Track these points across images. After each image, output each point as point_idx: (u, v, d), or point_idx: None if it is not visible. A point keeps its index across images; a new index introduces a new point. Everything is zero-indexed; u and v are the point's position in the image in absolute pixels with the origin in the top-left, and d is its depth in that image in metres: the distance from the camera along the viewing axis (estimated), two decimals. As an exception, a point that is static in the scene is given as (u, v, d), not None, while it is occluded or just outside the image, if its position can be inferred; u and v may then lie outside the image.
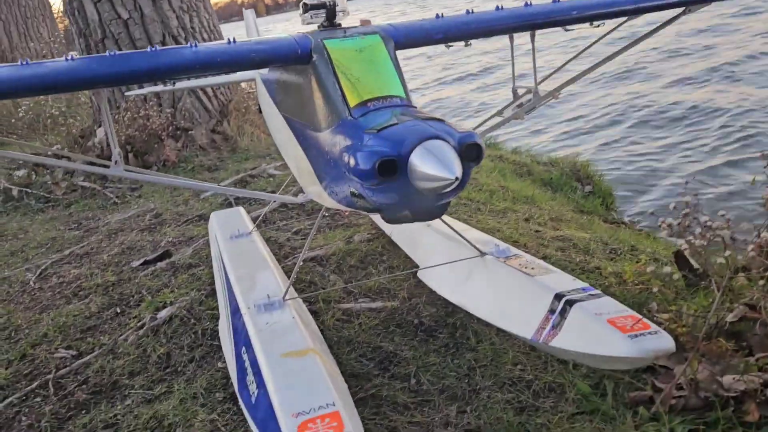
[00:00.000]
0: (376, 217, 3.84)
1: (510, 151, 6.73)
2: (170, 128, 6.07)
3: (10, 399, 2.68)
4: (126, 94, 5.38)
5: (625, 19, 2.92)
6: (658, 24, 3.00)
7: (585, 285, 2.40)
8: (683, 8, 2.88)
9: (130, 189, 5.57)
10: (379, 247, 3.60)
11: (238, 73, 4.85)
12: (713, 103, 8.87)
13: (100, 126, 6.47)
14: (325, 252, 3.61)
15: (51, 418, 2.51)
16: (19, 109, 7.06)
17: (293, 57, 2.28)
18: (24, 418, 2.54)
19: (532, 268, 2.57)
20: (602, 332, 2.07)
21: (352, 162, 1.92)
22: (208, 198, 4.99)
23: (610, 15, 2.75)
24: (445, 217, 3.26)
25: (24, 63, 2.06)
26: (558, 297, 2.30)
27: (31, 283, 3.86)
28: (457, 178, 1.78)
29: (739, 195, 6.24)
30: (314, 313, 2.92)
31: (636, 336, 2.01)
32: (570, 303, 2.24)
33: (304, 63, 2.29)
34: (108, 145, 5.90)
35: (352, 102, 2.13)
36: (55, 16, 13.20)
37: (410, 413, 2.27)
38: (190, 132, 6.20)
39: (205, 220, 4.44)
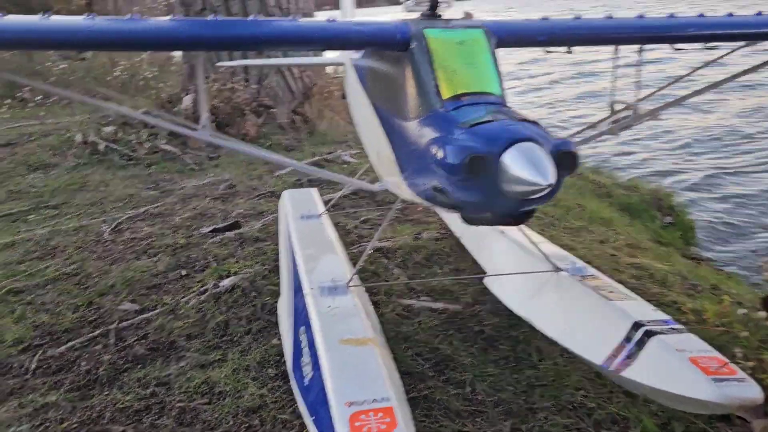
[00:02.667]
0: (448, 218, 3.76)
1: (590, 170, 6.49)
2: (254, 104, 6.17)
3: (73, 343, 2.76)
4: (216, 65, 5.50)
5: (743, 44, 2.72)
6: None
7: (667, 317, 2.25)
8: None
9: (208, 157, 5.70)
10: (447, 248, 3.52)
11: (329, 55, 4.88)
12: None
13: (187, 94, 6.65)
14: (392, 245, 3.56)
15: (108, 367, 2.57)
16: (116, 69, 7.37)
17: (391, 42, 2.23)
18: (83, 363, 2.62)
19: (610, 292, 2.43)
20: (683, 370, 1.92)
21: (440, 155, 1.85)
22: (282, 176, 5.05)
23: (729, 38, 2.57)
24: (521, 226, 3.15)
25: (132, 18, 2.09)
26: (636, 326, 2.16)
27: (105, 235, 3.99)
28: (550, 185, 1.68)
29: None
30: (375, 304, 2.87)
31: (720, 380, 1.86)
32: (649, 334, 2.10)
33: (401, 49, 2.23)
34: (193, 112, 6.08)
35: (446, 94, 2.07)
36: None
37: (462, 422, 2.19)
38: (272, 110, 6.28)
39: (276, 196, 4.48)
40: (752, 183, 7.63)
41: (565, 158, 1.80)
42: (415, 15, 2.38)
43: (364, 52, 2.98)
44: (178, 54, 7.53)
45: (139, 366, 2.58)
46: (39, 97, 8.77)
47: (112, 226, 4.12)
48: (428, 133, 1.99)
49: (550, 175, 1.69)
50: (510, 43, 2.36)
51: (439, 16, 2.36)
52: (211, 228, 3.94)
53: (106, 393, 2.41)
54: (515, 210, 1.90)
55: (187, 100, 6.56)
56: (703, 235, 6.05)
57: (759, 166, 8.23)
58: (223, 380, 2.43)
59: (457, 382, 2.40)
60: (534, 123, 1.88)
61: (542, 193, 1.72)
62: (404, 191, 2.34)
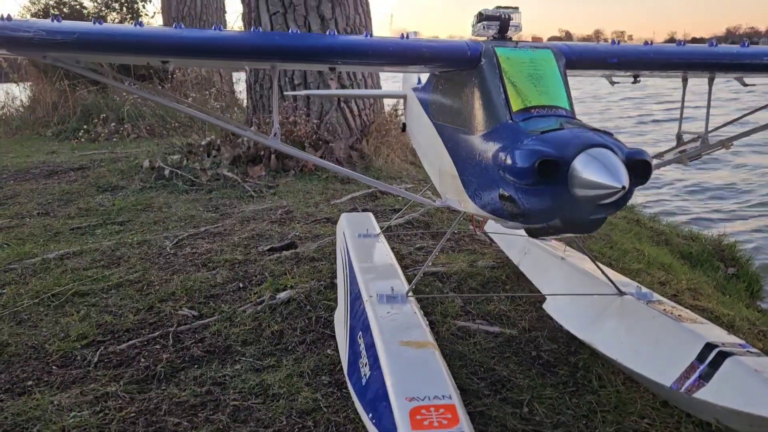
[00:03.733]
0: (506, 246, 3.72)
1: (648, 218, 6.34)
2: (313, 137, 6.34)
3: (133, 341, 2.83)
4: (285, 94, 5.71)
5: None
6: None
7: (742, 341, 2.15)
8: None
9: (267, 186, 5.85)
10: (503, 276, 3.48)
11: (391, 90, 5.00)
12: None
13: (251, 125, 6.89)
14: (446, 270, 3.54)
15: (166, 365, 2.61)
16: (183, 104, 7.75)
17: (463, 59, 2.28)
18: (143, 360, 2.67)
19: (680, 315, 2.34)
20: (762, 390, 1.82)
21: (509, 160, 1.86)
22: (337, 204, 5.13)
23: None
24: (582, 255, 3.09)
25: (217, 28, 2.22)
26: (709, 346, 2.06)
27: (168, 249, 4.11)
28: (624, 187, 1.66)
29: None
30: (430, 324, 2.84)
31: (804, 402, 1.75)
32: (723, 355, 2.00)
33: (471, 66, 2.28)
34: (255, 144, 6.29)
35: (516, 107, 2.10)
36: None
37: (519, 439, 2.12)
38: (330, 144, 6.44)
39: (332, 222, 4.55)
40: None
41: (638, 166, 1.79)
42: (483, 38, 2.45)
43: (427, 81, 3.06)
44: (243, 89, 7.85)
45: (196, 366, 2.61)
46: (107, 131, 9.26)
47: (174, 241, 4.25)
48: (496, 144, 2.01)
49: (623, 178, 1.67)
50: (580, 65, 2.38)
51: (509, 38, 2.42)
52: (268, 247, 4.02)
53: (164, 388, 2.44)
54: (586, 217, 1.88)
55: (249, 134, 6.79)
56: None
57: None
58: (278, 383, 2.43)
59: (514, 402, 2.34)
60: (606, 132, 1.88)
61: (614, 197, 1.71)
62: (468, 205, 2.35)
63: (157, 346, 2.79)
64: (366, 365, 2.02)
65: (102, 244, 4.24)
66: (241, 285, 3.44)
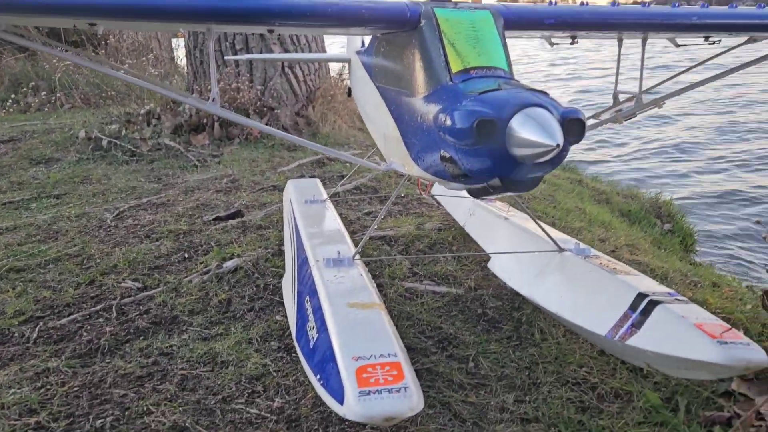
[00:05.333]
0: (451, 208, 3.77)
1: (590, 178, 6.53)
2: (258, 104, 6.22)
3: (74, 316, 2.75)
4: (225, 58, 5.54)
5: (745, 39, 2.77)
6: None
7: (671, 290, 2.26)
8: None
9: (211, 155, 5.72)
10: (450, 237, 3.53)
11: (335, 53, 4.92)
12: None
13: (191, 93, 6.69)
14: (394, 233, 3.57)
15: (110, 338, 2.56)
16: (120, 71, 7.44)
17: (402, 20, 2.26)
18: (85, 334, 2.61)
19: (614, 267, 2.44)
20: (688, 335, 1.93)
21: (448, 121, 1.87)
22: (284, 172, 5.07)
23: (731, 28, 2.61)
24: (525, 215, 3.16)
25: None
26: (641, 296, 2.16)
27: (108, 221, 3.99)
28: (558, 145, 1.70)
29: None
30: (379, 287, 2.87)
31: (726, 343, 1.86)
32: (653, 303, 2.11)
33: (410, 28, 2.27)
34: (197, 112, 6.12)
35: (455, 68, 2.10)
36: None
37: (465, 393, 2.18)
38: (275, 111, 6.33)
39: (279, 190, 4.50)
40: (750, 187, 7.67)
41: (572, 125, 1.83)
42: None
43: (370, 43, 3.02)
44: (183, 55, 7.59)
45: (141, 338, 2.57)
46: (38, 101, 8.82)
47: (114, 213, 4.12)
48: (436, 105, 2.01)
49: (558, 137, 1.71)
50: (518, 26, 2.40)
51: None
52: (214, 216, 3.95)
53: (108, 361, 2.40)
54: (523, 176, 1.92)
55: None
56: (702, 243, 6.08)
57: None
58: (226, 351, 2.42)
59: (460, 357, 2.40)
60: (542, 92, 1.91)
61: (550, 155, 1.74)
62: (412, 168, 2.36)
63: (100, 320, 2.73)
64: (314, 328, 2.04)
65: (37, 218, 4.07)
66: (186, 255, 3.38)
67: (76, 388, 2.21)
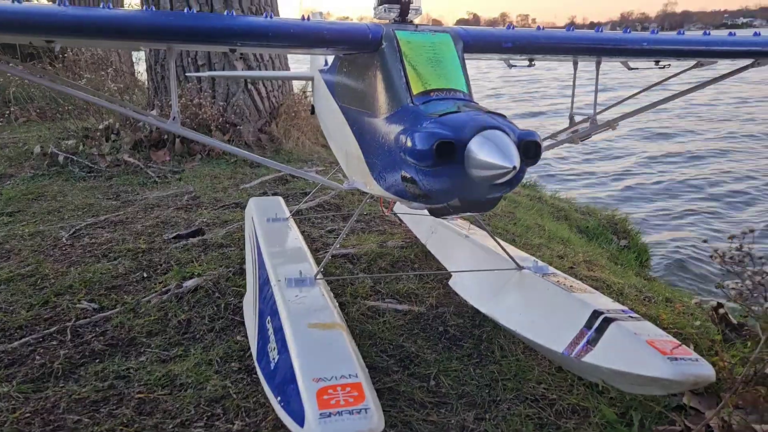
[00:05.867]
0: (414, 225, 3.81)
1: (549, 195, 6.67)
2: (220, 120, 6.17)
3: (26, 339, 2.67)
4: (188, 75, 5.50)
5: (693, 64, 2.90)
6: (726, 72, 2.97)
7: (624, 308, 2.33)
8: (752, 60, 2.84)
9: (171, 171, 5.65)
10: (412, 255, 3.56)
11: (299, 71, 4.93)
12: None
13: (152, 108, 6.61)
14: (356, 251, 3.58)
15: (64, 361, 2.49)
16: (81, 81, 7.30)
17: (363, 41, 2.30)
18: (37, 358, 2.53)
19: (571, 286, 2.50)
20: (640, 352, 1.99)
21: (409, 143, 1.90)
22: (247, 189, 5.03)
23: (679, 54, 2.73)
24: (485, 233, 3.22)
25: (107, 6, 2.11)
26: (596, 314, 2.23)
27: (64, 239, 3.89)
28: (515, 167, 1.75)
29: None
30: (341, 305, 2.88)
31: (676, 359, 1.93)
32: (608, 321, 2.17)
33: (372, 49, 2.31)
34: (156, 129, 6.04)
35: (416, 90, 2.14)
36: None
37: (426, 412, 2.20)
38: (238, 127, 6.29)
39: (241, 207, 4.47)
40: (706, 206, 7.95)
41: (528, 147, 1.88)
42: (385, 21, 2.47)
43: (333, 63, 3.06)
44: (144, 70, 7.50)
45: (97, 360, 2.51)
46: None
47: (71, 232, 4.03)
48: (397, 127, 2.05)
49: (515, 159, 1.75)
50: (477, 48, 2.46)
51: (410, 21, 2.45)
52: (174, 234, 3.89)
53: (62, 385, 2.33)
54: (482, 196, 1.96)
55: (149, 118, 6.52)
56: (656, 259, 6.27)
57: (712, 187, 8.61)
58: (185, 373, 2.39)
59: (422, 376, 2.42)
60: (500, 115, 1.96)
61: (508, 177, 1.79)
62: (373, 187, 2.38)
63: (54, 343, 2.65)
64: (274, 349, 2.03)
65: (-11, 237, 3.95)
66: (145, 275, 3.32)
67: (27, 415, 2.14)
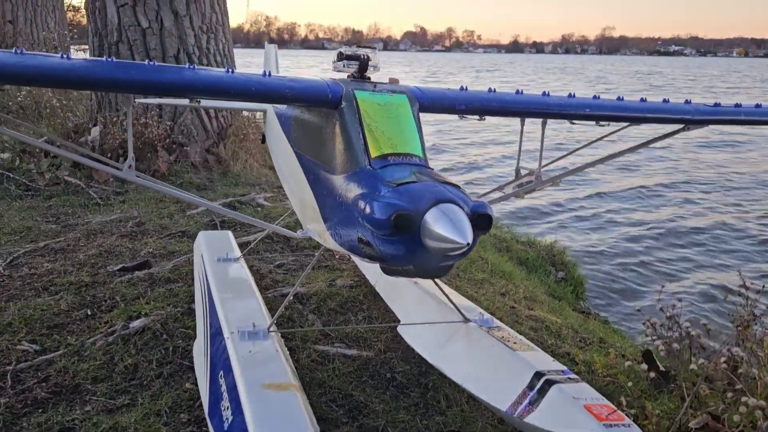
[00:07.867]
0: (363, 265, 3.88)
1: (493, 226, 6.87)
2: (167, 140, 6.08)
3: (-38, 384, 2.59)
4: (137, 101, 5.38)
5: (628, 124, 3.10)
6: (662, 134, 3.19)
7: (564, 368, 2.47)
8: (683, 125, 3.07)
9: (115, 192, 5.53)
10: (361, 295, 3.63)
11: (250, 104, 4.92)
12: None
13: (95, 125, 6.45)
14: (306, 290, 3.62)
15: (4, 412, 2.43)
16: (19, 94, 7.02)
17: (323, 100, 2.36)
18: (-24, 407, 2.46)
19: (515, 343, 2.63)
20: (578, 416, 2.13)
21: (367, 210, 1.98)
22: (194, 216, 4.98)
23: (617, 119, 2.92)
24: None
25: (65, 56, 2.10)
26: (538, 375, 2.36)
27: (0, 269, 3.76)
28: (468, 244, 1.85)
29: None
30: (290, 350, 2.91)
31: (610, 426, 2.07)
32: (549, 383, 2.30)
33: (332, 107, 2.37)
34: (101, 145, 5.90)
35: (374, 153, 2.21)
36: (66, 7, 13.23)
37: (375, 466, 2.26)
38: (185, 147, 6.22)
39: (188, 237, 4.43)
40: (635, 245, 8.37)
41: (481, 219, 1.99)
42: (343, 76, 2.54)
43: None
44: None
45: (40, 410, 2.46)
46: None
47: (8, 260, 3.90)
48: (356, 189, 2.11)
49: (468, 236, 1.85)
50: (432, 109, 2.57)
51: (368, 78, 2.54)
52: (119, 267, 3.82)
53: (3, 439, 2.28)
54: (435, 264, 2.05)
55: (94, 132, 6.36)
56: (591, 291, 6.56)
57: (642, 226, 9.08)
58: (133, 425, 2.37)
59: (370, 428, 2.48)
60: (455, 186, 2.06)
61: (460, 251, 1.89)
62: (328, 240, 2.44)
63: (-7, 389, 2.58)
64: (228, 409, 2.05)
65: None
66: (89, 312, 3.25)
67: (-34, 474, 2.08)
